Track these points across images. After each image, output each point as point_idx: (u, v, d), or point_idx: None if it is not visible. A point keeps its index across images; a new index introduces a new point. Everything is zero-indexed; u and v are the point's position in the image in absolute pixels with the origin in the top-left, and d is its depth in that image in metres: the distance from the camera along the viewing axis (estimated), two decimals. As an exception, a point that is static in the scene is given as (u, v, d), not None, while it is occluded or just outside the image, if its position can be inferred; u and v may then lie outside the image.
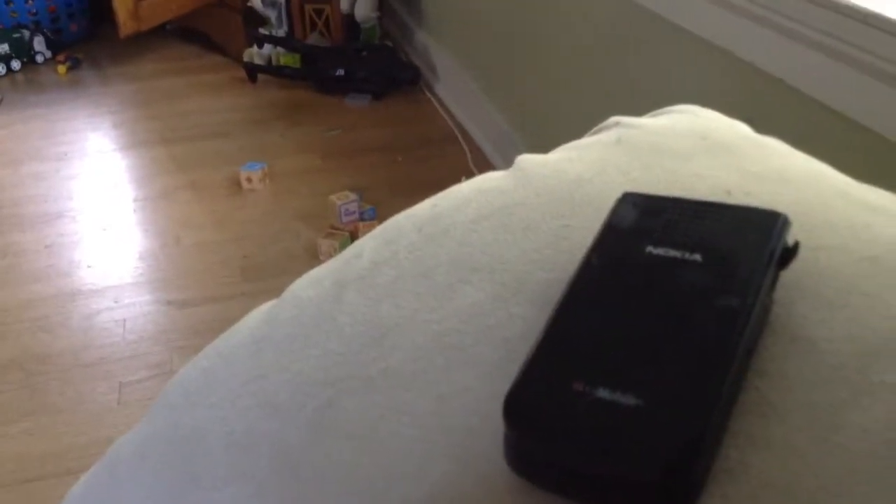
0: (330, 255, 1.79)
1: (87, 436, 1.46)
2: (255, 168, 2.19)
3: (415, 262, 0.46)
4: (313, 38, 2.91)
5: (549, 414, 0.32)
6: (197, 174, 2.28)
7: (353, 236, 1.90)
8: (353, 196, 2.00)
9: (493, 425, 0.34)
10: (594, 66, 1.65)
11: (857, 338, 0.36)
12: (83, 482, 0.44)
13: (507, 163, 0.54)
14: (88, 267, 1.91)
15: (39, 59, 3.00)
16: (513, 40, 2.06)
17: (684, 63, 1.33)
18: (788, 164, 0.50)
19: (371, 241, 0.49)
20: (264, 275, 1.86)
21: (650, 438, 0.30)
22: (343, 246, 1.81)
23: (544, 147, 0.55)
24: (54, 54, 3.01)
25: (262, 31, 2.86)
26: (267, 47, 2.81)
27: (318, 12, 2.90)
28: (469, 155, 2.32)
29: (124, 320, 1.73)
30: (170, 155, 2.39)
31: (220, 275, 1.87)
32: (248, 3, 2.85)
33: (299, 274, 0.49)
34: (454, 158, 2.31)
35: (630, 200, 0.43)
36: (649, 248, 0.39)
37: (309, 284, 0.48)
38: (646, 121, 0.56)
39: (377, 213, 2.00)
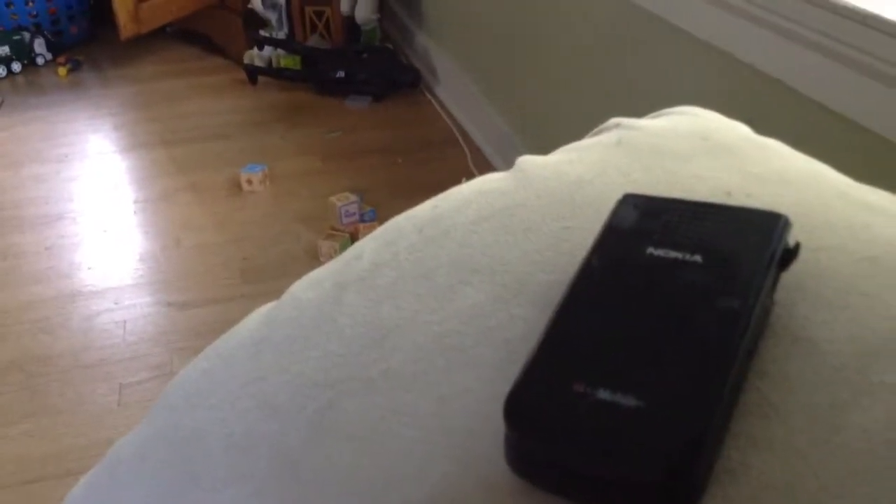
0: (330, 257, 1.79)
1: (87, 437, 1.46)
2: (256, 170, 2.19)
3: (415, 264, 0.46)
4: (313, 40, 2.91)
5: (549, 415, 0.32)
6: (197, 176, 2.28)
7: (354, 238, 1.90)
8: (353, 198, 2.00)
9: (494, 426, 0.34)
10: (594, 67, 1.65)
11: (857, 338, 0.36)
12: (83, 483, 0.44)
13: (508, 164, 0.54)
14: (89, 268, 1.91)
15: (40, 61, 3.00)
16: (513, 42, 2.06)
17: (684, 64, 1.33)
18: (788, 166, 0.50)
19: (371, 243, 0.49)
20: (264, 276, 1.86)
21: (651, 439, 0.30)
22: (343, 247, 1.82)
23: (545, 148, 0.55)
24: (55, 56, 3.01)
25: (263, 33, 2.86)
26: (267, 49, 2.81)
27: (319, 14, 2.90)
28: (469, 156, 2.32)
29: (124, 322, 1.73)
30: (170, 157, 2.39)
31: (220, 276, 1.87)
32: (249, 5, 2.85)
33: (299, 275, 0.49)
34: (454, 160, 2.31)
35: (631, 202, 0.43)
36: (650, 250, 0.39)
37: (309, 286, 0.48)
38: (646, 122, 0.56)
39: (377, 214, 2.00)
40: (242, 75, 2.81)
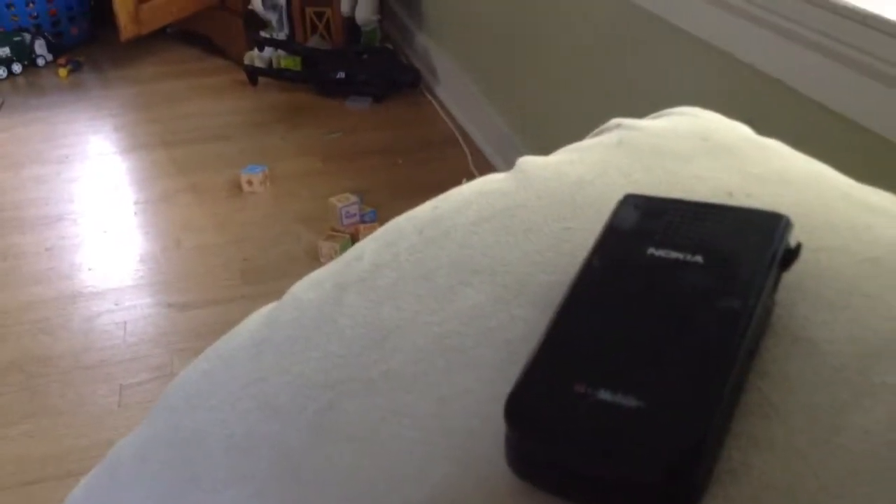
0: (331, 258, 1.79)
1: (87, 438, 1.46)
2: (256, 171, 2.19)
3: (416, 265, 0.46)
4: (314, 41, 2.91)
5: (550, 416, 0.32)
6: (198, 177, 2.28)
7: (354, 239, 1.90)
8: (353, 198, 2.00)
9: (495, 427, 0.34)
10: (594, 67, 1.65)
11: (858, 339, 0.36)
12: (84, 484, 0.44)
13: (508, 165, 0.54)
14: (89, 269, 1.91)
15: (40, 62, 3.00)
16: (513, 43, 2.06)
17: (684, 65, 1.33)
18: (789, 166, 0.50)
19: (372, 244, 0.49)
20: (265, 277, 1.86)
21: (652, 440, 0.30)
22: (344, 248, 1.81)
23: (545, 149, 0.55)
24: (55, 57, 3.01)
25: (263, 34, 2.86)
26: (268, 50, 2.81)
27: (319, 15, 2.90)
28: (470, 157, 2.32)
29: (125, 323, 1.73)
30: (170, 158, 2.39)
31: (220, 277, 1.87)
32: (249, 6, 2.85)
33: (300, 276, 0.49)
34: (455, 161, 2.31)
35: (631, 202, 0.43)
36: (651, 250, 0.39)
37: (309, 287, 0.48)
38: (647, 123, 0.56)
39: (378, 215, 2.00)
40: (243, 76, 2.81)
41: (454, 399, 0.38)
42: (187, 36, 3.15)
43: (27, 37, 2.95)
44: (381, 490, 0.35)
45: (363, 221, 1.98)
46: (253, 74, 2.78)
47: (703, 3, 1.22)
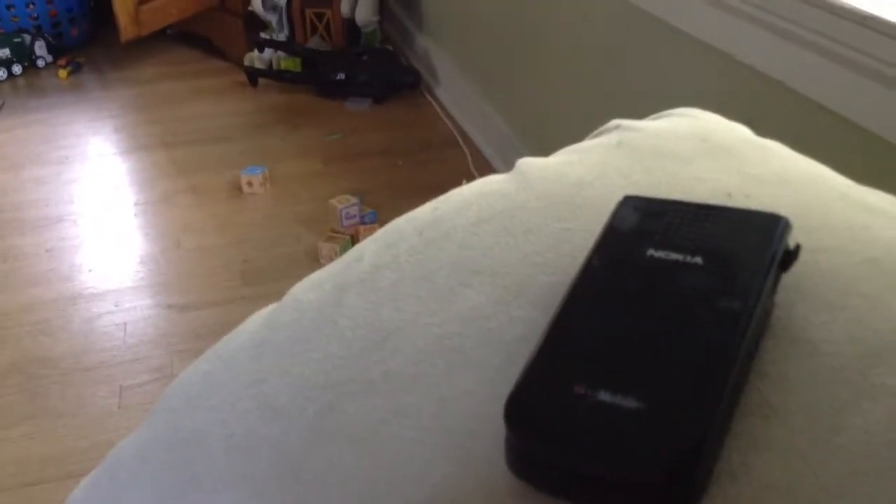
0: (331, 259, 1.79)
1: (87, 439, 1.46)
2: (256, 172, 2.19)
3: (416, 266, 0.46)
4: (314, 42, 2.91)
5: (550, 417, 0.32)
6: (198, 178, 2.28)
7: (354, 240, 1.90)
8: (353, 200, 2.00)
9: (494, 428, 0.34)
10: (594, 69, 1.65)
11: (857, 340, 0.36)
12: (84, 486, 0.44)
13: (508, 166, 0.54)
14: (89, 271, 1.91)
15: (40, 63, 3.00)
16: (513, 44, 2.06)
17: (684, 66, 1.33)
18: (788, 167, 0.50)
19: (372, 245, 0.49)
20: (265, 278, 1.86)
21: (652, 441, 0.30)
22: (344, 249, 1.82)
23: (545, 150, 0.55)
24: (55, 59, 3.01)
25: (263, 35, 2.86)
26: (268, 51, 2.81)
27: (319, 16, 2.90)
28: (470, 158, 2.32)
29: (125, 324, 1.73)
30: (171, 159, 2.39)
31: (220, 278, 1.87)
32: (249, 8, 2.86)
33: (300, 278, 0.49)
34: (455, 162, 2.32)
35: (631, 203, 0.43)
36: (650, 251, 0.39)
37: (310, 288, 0.48)
38: (646, 124, 0.56)
39: (378, 216, 2.01)
40: (243, 77, 2.81)
41: (454, 400, 0.38)
42: (187, 37, 3.15)
43: (27, 38, 2.95)
44: (381, 491, 0.35)
45: (363, 223, 1.98)
46: (253, 76, 2.78)
47: (702, 4, 1.22)
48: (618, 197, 0.43)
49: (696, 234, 0.39)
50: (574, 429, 0.32)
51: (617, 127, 0.56)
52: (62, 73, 2.93)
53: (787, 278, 0.39)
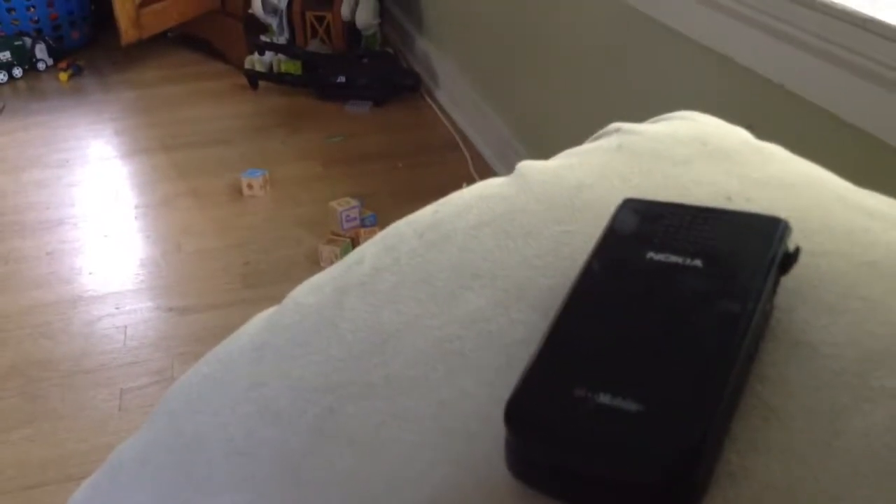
0: (331, 262, 1.79)
1: (88, 442, 1.46)
2: (257, 175, 2.19)
3: (416, 269, 0.46)
4: (314, 46, 2.91)
5: (550, 419, 0.32)
6: (198, 181, 2.28)
7: (355, 243, 1.91)
8: (354, 202, 2.00)
9: (495, 431, 0.34)
10: (594, 72, 1.65)
11: (857, 343, 0.36)
12: (84, 488, 0.44)
13: (508, 169, 0.54)
14: (90, 273, 1.91)
15: (41, 66, 3.01)
16: (513, 47, 2.06)
17: (684, 69, 1.33)
18: (788, 170, 0.50)
19: (372, 248, 0.49)
20: (265, 281, 1.87)
21: (651, 443, 0.30)
22: (344, 252, 1.82)
23: (545, 153, 0.55)
24: (56, 62, 3.02)
25: (264, 38, 2.86)
26: (268, 54, 2.82)
27: (319, 19, 2.90)
28: (470, 161, 2.32)
29: (125, 327, 1.73)
30: (171, 162, 2.39)
31: (221, 281, 1.87)
32: (250, 11, 2.86)
33: (300, 280, 0.49)
34: (455, 165, 2.32)
35: (631, 206, 0.43)
36: (650, 254, 0.39)
37: (310, 291, 0.48)
38: (646, 127, 0.56)
39: (378, 219, 2.01)
40: (243, 80, 2.81)
41: (454, 402, 0.38)
42: (188, 40, 3.15)
43: (28, 41, 2.96)
44: (381, 493, 0.35)
45: (363, 225, 1.98)
46: (253, 79, 2.78)
47: (702, 6, 1.23)
48: (617, 200, 0.43)
49: (695, 237, 0.39)
50: (574, 430, 0.32)
51: (617, 130, 0.56)
52: (63, 76, 2.94)
53: (787, 281, 0.39)
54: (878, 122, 0.93)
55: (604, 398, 0.32)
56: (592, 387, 0.33)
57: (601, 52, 1.62)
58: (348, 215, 1.97)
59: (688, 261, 0.38)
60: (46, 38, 3.01)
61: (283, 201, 2.17)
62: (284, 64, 2.79)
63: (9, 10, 2.97)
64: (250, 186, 2.19)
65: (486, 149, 2.32)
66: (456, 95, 2.54)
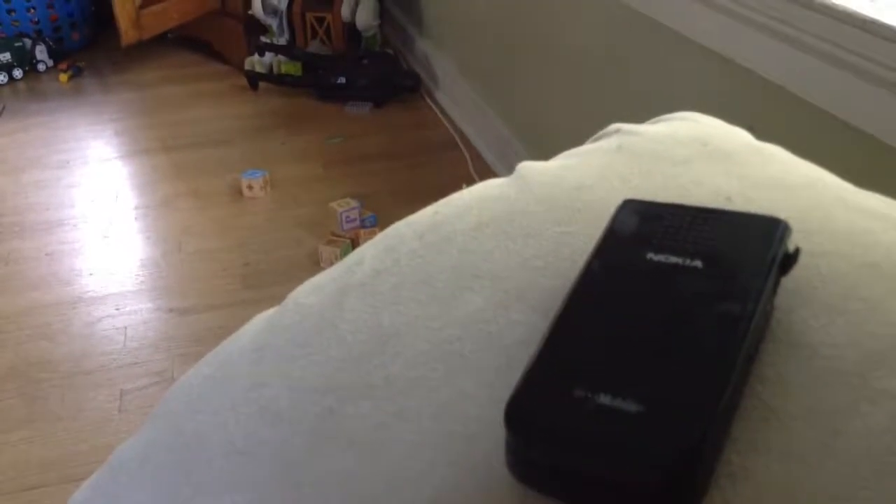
0: (331, 263, 1.79)
1: (87, 443, 1.46)
2: (257, 175, 2.19)
3: (416, 269, 0.46)
4: (314, 47, 2.92)
5: (550, 420, 0.32)
6: (198, 182, 2.28)
7: (355, 243, 1.91)
8: (354, 203, 2.00)
9: (495, 432, 0.34)
10: (594, 72, 1.66)
11: (857, 344, 0.36)
12: (84, 489, 0.44)
13: (508, 170, 0.54)
14: (90, 274, 1.91)
15: (41, 67, 3.01)
16: (513, 48, 2.06)
17: (684, 70, 1.33)
18: (789, 171, 0.50)
19: (372, 249, 0.49)
20: (265, 282, 1.87)
21: (652, 444, 0.30)
22: (344, 253, 1.82)
23: (545, 153, 0.55)
24: (56, 63, 3.02)
25: (264, 39, 2.86)
26: (268, 55, 2.82)
27: (320, 20, 2.91)
28: (470, 162, 2.32)
29: (125, 328, 1.73)
30: (171, 163, 2.39)
31: (221, 282, 1.87)
32: (250, 12, 2.86)
33: (300, 281, 0.49)
34: (455, 165, 2.32)
35: (631, 207, 0.43)
36: (650, 255, 0.39)
37: (310, 291, 0.48)
38: (646, 128, 0.56)
39: (378, 220, 2.01)
40: (243, 81, 2.81)
41: (454, 403, 0.38)
42: (188, 41, 3.15)
43: (28, 42, 2.96)
44: (381, 494, 0.35)
45: (363, 226, 1.98)
46: (253, 80, 2.79)
47: (703, 8, 1.23)
48: (617, 201, 0.43)
49: (695, 238, 0.39)
50: (574, 430, 0.32)
51: (617, 131, 0.56)
52: (63, 77, 2.94)
53: (787, 282, 0.39)
54: (878, 123, 0.93)
55: (604, 399, 0.32)
56: (592, 387, 0.33)
57: (601, 53, 1.62)
58: (348, 216, 1.97)
59: (688, 261, 0.38)
60: (47, 39, 3.02)
61: (283, 202, 2.17)
62: (284, 65, 2.79)
63: (9, 11, 2.98)
64: (250, 187, 2.19)
65: (486, 149, 2.32)
66: (456, 96, 2.54)
